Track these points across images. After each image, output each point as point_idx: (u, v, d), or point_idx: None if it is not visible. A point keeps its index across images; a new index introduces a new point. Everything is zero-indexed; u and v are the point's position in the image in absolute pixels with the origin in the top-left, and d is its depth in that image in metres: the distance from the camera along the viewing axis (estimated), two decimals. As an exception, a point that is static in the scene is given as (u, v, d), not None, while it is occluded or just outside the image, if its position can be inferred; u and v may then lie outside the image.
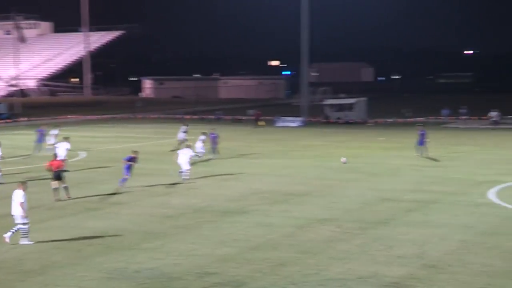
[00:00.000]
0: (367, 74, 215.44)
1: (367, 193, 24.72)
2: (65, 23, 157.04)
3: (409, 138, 42.09)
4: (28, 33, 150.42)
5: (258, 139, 48.19)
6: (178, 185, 26.98)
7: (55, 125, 42.21)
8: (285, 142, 46.04)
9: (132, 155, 25.94)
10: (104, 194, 24.58)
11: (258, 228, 19.10)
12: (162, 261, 15.62)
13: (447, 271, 14.79)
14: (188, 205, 22.67)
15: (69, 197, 23.48)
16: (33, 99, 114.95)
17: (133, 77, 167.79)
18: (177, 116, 72.36)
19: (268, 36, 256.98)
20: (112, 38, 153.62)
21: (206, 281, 14.21)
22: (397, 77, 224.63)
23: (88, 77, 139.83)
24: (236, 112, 75.73)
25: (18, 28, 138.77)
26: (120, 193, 24.84)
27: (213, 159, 35.04)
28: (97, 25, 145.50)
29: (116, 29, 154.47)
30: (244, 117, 68.74)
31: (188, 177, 27.91)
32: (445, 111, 67.02)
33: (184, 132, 40.44)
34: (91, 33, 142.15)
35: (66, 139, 32.34)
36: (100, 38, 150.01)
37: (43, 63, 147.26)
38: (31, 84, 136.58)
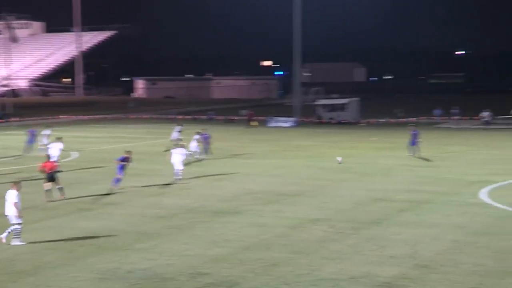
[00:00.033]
0: (359, 74, 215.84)
1: (360, 193, 24.77)
2: (57, 23, 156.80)
3: (401, 138, 42.21)
4: (20, 33, 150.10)
5: (250, 139, 48.21)
6: (171, 185, 26.95)
7: (47, 125, 42.08)
8: (277, 142, 46.08)
9: (125, 155, 25.90)
10: (96, 195, 24.52)
11: (251, 228, 19.11)
12: (155, 262, 15.61)
13: (439, 271, 14.84)
14: (181, 205, 22.65)
15: (64, 198, 23.42)
16: (24, 99, 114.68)
17: (126, 77, 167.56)
18: (170, 116, 72.30)
19: (261, 36, 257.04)
20: (104, 38, 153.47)
21: (199, 281, 14.20)
22: (389, 77, 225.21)
23: (80, 77, 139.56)
24: (229, 112, 75.73)
25: (9, 28, 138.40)
26: (113, 193, 24.79)
27: (206, 159, 35.03)
28: (89, 25, 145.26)
29: (108, 29, 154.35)
30: (236, 117, 68.74)
31: (181, 177, 27.90)
32: (437, 111, 67.26)
33: (179, 131, 40.53)
34: (83, 33, 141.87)
35: (59, 139, 32.25)
36: (92, 38, 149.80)
37: (35, 63, 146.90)
38: (22, 84, 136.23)
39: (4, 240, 17.12)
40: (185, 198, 24.09)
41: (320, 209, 21.80)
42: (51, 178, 23.40)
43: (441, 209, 21.82)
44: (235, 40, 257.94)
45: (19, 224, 17.15)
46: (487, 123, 59.22)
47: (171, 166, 28.32)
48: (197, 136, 35.43)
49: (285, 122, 63.04)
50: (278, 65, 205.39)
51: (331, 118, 64.81)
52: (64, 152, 32.14)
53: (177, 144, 32.17)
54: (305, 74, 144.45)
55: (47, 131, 38.87)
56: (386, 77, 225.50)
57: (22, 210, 17.43)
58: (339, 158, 33.68)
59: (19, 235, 17.21)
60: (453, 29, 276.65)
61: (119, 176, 25.41)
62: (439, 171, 30.60)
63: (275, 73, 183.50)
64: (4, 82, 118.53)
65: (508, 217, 20.59)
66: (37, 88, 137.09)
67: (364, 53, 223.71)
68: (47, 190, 23.29)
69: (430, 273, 14.68)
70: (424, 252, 16.40)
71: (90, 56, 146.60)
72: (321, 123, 63.98)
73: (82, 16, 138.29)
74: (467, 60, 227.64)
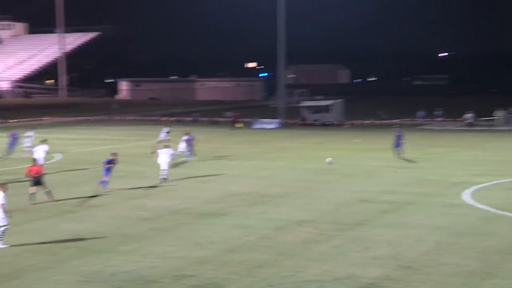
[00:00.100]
0: (343, 76, 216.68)
1: (344, 195, 24.86)
2: (39, 24, 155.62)
3: (385, 139, 42.42)
4: (2, 34, 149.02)
5: (235, 141, 48.19)
6: (155, 187, 26.87)
7: (31, 127, 41.78)
8: (262, 144, 46.10)
9: (111, 158, 25.81)
10: (81, 197, 24.39)
11: (236, 230, 19.11)
12: (139, 264, 15.56)
13: (422, 272, 14.94)
14: (165, 207, 22.59)
15: (53, 200, 23.28)
16: (7, 101, 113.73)
17: (109, 79, 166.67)
18: (154, 118, 72.08)
19: (245, 38, 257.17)
20: (88, 39, 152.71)
21: (183, 283, 14.18)
22: (373, 79, 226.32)
23: (63, 78, 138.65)
24: (214, 114, 75.62)
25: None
26: (97, 195, 24.67)
27: (191, 161, 34.96)
28: (72, 26, 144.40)
29: (92, 31, 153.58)
30: (221, 119, 68.70)
31: (166, 177, 27.89)
32: (420, 113, 67.62)
33: (167, 132, 40.81)
34: (66, 34, 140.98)
35: (43, 141, 32.03)
36: (75, 40, 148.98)
37: (17, 64, 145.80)
38: (5, 85, 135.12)
39: None
40: (169, 200, 24.03)
41: (304, 211, 21.85)
42: (37, 182, 23.27)
43: (425, 210, 21.96)
44: (220, 42, 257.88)
45: (4, 226, 17.02)
46: (470, 124, 59.65)
47: (156, 167, 28.24)
48: (185, 137, 35.44)
49: (270, 124, 63.08)
50: (263, 67, 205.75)
51: (315, 120, 64.94)
52: (48, 154, 31.93)
53: (165, 145, 32.18)
54: (289, 76, 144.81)
55: (30, 133, 38.59)
56: (370, 79, 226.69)
57: (8, 211, 17.30)
58: (328, 159, 33.88)
59: (2, 237, 17.07)
60: (436, 31, 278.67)
61: (105, 179, 25.31)
62: (423, 173, 30.78)
63: (260, 74, 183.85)
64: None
65: (491, 218, 20.76)
66: (20, 90, 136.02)
67: (348, 55, 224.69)
68: (31, 194, 23.14)
69: (413, 274, 14.78)
70: (407, 253, 16.50)
71: (73, 58, 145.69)
72: (305, 124, 64.09)
73: (65, 18, 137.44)
74: (450, 62, 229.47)
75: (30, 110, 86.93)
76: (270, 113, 71.65)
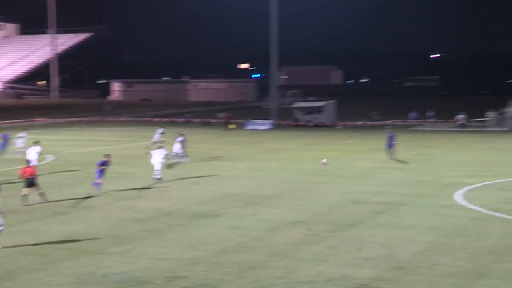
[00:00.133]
0: (336, 77, 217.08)
1: (336, 196, 24.89)
2: (31, 25, 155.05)
3: (378, 140, 42.50)
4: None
5: (227, 142, 48.17)
6: (147, 188, 26.82)
7: (23, 129, 41.65)
8: (254, 145, 46.11)
9: (105, 159, 25.75)
10: (73, 199, 24.30)
11: (228, 231, 19.09)
12: (131, 265, 15.51)
13: (415, 273, 14.97)
14: (157, 208, 22.55)
15: (47, 201, 23.19)
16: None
17: (102, 80, 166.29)
18: (146, 119, 71.96)
19: (238, 39, 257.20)
20: (80, 40, 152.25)
21: (175, 285, 14.15)
22: (365, 80, 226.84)
23: (55, 79, 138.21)
24: (206, 115, 75.58)
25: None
26: (90, 197, 24.60)
27: (183, 163, 34.90)
28: (64, 27, 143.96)
29: (84, 32, 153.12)
30: (214, 120, 68.65)
31: (159, 177, 27.88)
32: (412, 114, 67.83)
33: (161, 134, 41.05)
34: (59, 35, 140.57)
35: (36, 143, 31.92)
36: (67, 40, 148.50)
37: (9, 65, 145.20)
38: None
39: None
40: (161, 201, 23.98)
41: (297, 212, 21.86)
42: (31, 183, 23.17)
43: (417, 211, 22.00)
44: (212, 43, 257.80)
45: (1, 225, 16.97)
46: (462, 125, 59.89)
47: (149, 169, 28.20)
48: (180, 138, 35.38)
49: (262, 125, 63.10)
50: (255, 68, 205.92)
51: (308, 121, 64.99)
52: (40, 156, 31.83)
53: (158, 145, 32.23)
54: (282, 77, 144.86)
55: (22, 134, 38.47)
56: (363, 80, 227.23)
57: (3, 212, 17.25)
58: (324, 160, 33.99)
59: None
60: (428, 33, 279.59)
61: (98, 181, 25.24)
62: (415, 173, 30.86)
63: (252, 75, 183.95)
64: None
65: (483, 218, 20.83)
66: (12, 91, 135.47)
67: (341, 56, 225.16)
68: (24, 195, 23.05)
69: (406, 275, 14.80)
70: (400, 253, 16.53)
71: (65, 59, 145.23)
72: (298, 126, 64.13)
73: (57, 18, 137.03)
74: (442, 63, 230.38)
75: (22, 111, 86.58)
76: (262, 114, 71.67)
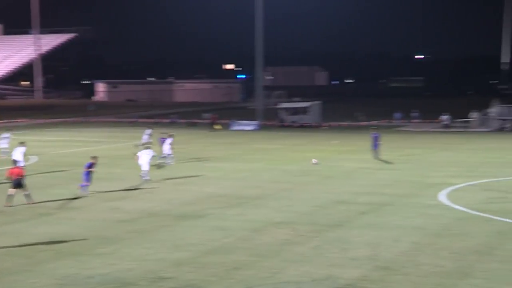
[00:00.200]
0: (321, 78, 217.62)
1: (322, 196, 24.92)
2: (14, 25, 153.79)
3: (363, 141, 42.64)
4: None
5: (213, 143, 48.10)
6: (132, 189, 26.70)
7: (7, 129, 41.33)
8: (240, 145, 46.08)
9: (91, 161, 25.61)
10: (57, 200, 24.13)
11: (214, 232, 19.05)
12: (115, 266, 15.43)
13: (400, 272, 15.02)
14: (142, 209, 22.46)
15: (33, 203, 22.99)
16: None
17: (86, 81, 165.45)
18: (131, 120, 71.67)
19: (223, 40, 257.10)
20: (64, 40, 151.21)
21: (160, 286, 14.10)
22: (350, 81, 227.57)
23: (39, 80, 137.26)
24: (192, 115, 75.43)
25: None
26: (75, 198, 24.44)
27: (170, 164, 34.79)
28: (48, 28, 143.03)
29: (68, 32, 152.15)
30: (199, 121, 68.54)
31: (148, 177, 27.81)
32: (397, 115, 68.15)
33: (149, 134, 41.04)
34: (42, 35, 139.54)
35: (22, 143, 31.70)
36: (51, 41, 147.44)
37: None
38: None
39: None
40: (147, 202, 23.89)
41: (282, 212, 21.87)
42: (18, 184, 22.99)
43: (401, 211, 22.09)
44: (198, 44, 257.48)
45: None
46: (446, 126, 60.29)
47: (133, 169, 28.09)
48: (169, 140, 35.22)
49: (248, 126, 63.09)
50: (241, 69, 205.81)
51: (293, 122, 65.09)
52: (24, 156, 31.59)
53: (146, 146, 32.19)
54: (267, 77, 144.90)
55: (6, 135, 38.21)
56: (348, 81, 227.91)
57: None
58: (314, 160, 34.10)
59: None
60: (413, 34, 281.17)
61: (86, 183, 25.09)
62: (400, 174, 30.99)
63: (238, 76, 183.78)
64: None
65: (467, 218, 20.96)
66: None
67: (326, 57, 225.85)
68: (9, 195, 22.87)
69: (391, 275, 14.85)
70: (385, 253, 16.58)
71: (49, 59, 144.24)
72: (283, 126, 64.21)
73: (41, 18, 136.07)
74: (426, 64, 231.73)
75: (5, 111, 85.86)
76: (248, 115, 71.64)
